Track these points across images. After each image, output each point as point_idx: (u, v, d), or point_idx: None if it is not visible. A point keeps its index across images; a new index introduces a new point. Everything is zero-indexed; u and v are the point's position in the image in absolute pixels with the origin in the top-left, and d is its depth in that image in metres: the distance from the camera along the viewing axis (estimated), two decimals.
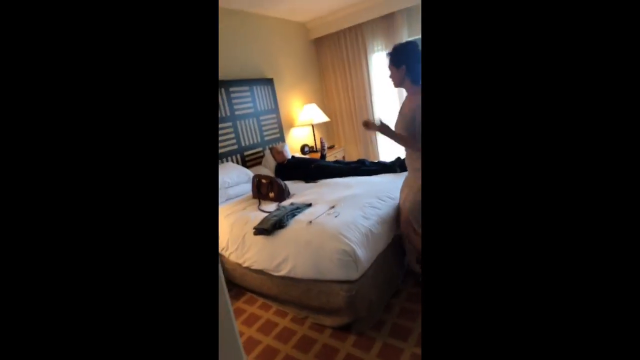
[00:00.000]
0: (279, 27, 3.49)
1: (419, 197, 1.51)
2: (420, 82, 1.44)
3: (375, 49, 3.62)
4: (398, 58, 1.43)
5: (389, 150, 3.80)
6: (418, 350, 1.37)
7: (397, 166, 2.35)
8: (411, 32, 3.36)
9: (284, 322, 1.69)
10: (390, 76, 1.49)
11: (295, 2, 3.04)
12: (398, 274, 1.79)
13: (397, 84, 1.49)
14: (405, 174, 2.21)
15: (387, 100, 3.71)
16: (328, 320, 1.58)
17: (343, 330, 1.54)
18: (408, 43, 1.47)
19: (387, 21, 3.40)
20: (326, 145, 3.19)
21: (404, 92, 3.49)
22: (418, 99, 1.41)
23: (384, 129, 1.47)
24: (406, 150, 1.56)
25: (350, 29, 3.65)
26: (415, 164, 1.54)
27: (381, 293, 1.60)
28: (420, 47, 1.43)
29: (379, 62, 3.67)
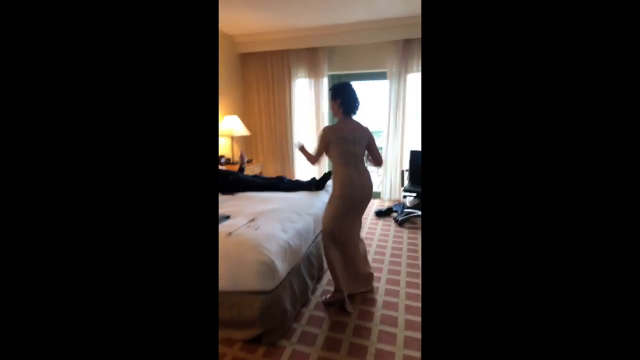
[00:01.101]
0: None
1: (340, 206, 1.78)
2: (350, 113, 1.80)
3: (299, 75, 3.89)
4: (334, 93, 1.80)
5: (304, 169, 4.05)
6: (324, 354, 1.50)
7: (313, 185, 2.55)
8: (331, 67, 3.78)
9: None
10: (330, 107, 1.85)
11: (222, 14, 3.05)
12: (309, 286, 1.93)
13: (335, 113, 1.83)
14: (321, 192, 2.44)
15: (305, 122, 4.00)
16: (239, 334, 1.57)
17: (254, 342, 1.56)
18: (343, 83, 1.82)
19: (311, 54, 3.74)
20: (245, 159, 3.19)
21: (323, 118, 3.82)
22: (349, 127, 1.78)
23: (303, 150, 1.94)
24: (333, 174, 1.86)
25: (277, 52, 3.84)
26: (334, 184, 1.83)
27: (294, 303, 1.70)
28: (351, 87, 1.79)
29: (301, 88, 3.95)
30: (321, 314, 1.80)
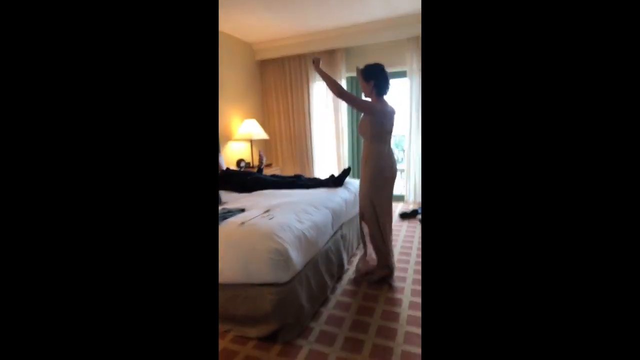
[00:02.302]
0: (225, 42, 3.51)
1: (376, 181, 1.83)
2: (383, 95, 1.84)
3: (317, 78, 3.88)
4: (368, 74, 1.81)
5: (323, 169, 3.98)
6: (343, 354, 1.37)
7: (331, 182, 2.46)
8: (348, 68, 3.74)
9: None
10: (362, 88, 1.88)
11: (240, 21, 3.14)
12: (328, 284, 1.81)
13: (367, 94, 1.87)
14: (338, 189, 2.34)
15: (324, 126, 3.96)
16: (253, 331, 1.48)
17: (268, 340, 1.46)
18: (376, 64, 1.83)
19: (329, 55, 3.73)
20: (264, 159, 3.18)
21: (342, 121, 3.73)
22: (380, 106, 1.81)
23: (322, 72, 1.83)
24: (366, 158, 1.87)
25: (294, 57, 3.87)
26: (364, 166, 1.87)
27: (311, 300, 1.58)
28: (384, 68, 1.81)
29: (319, 91, 3.93)
30: (342, 313, 1.67)
